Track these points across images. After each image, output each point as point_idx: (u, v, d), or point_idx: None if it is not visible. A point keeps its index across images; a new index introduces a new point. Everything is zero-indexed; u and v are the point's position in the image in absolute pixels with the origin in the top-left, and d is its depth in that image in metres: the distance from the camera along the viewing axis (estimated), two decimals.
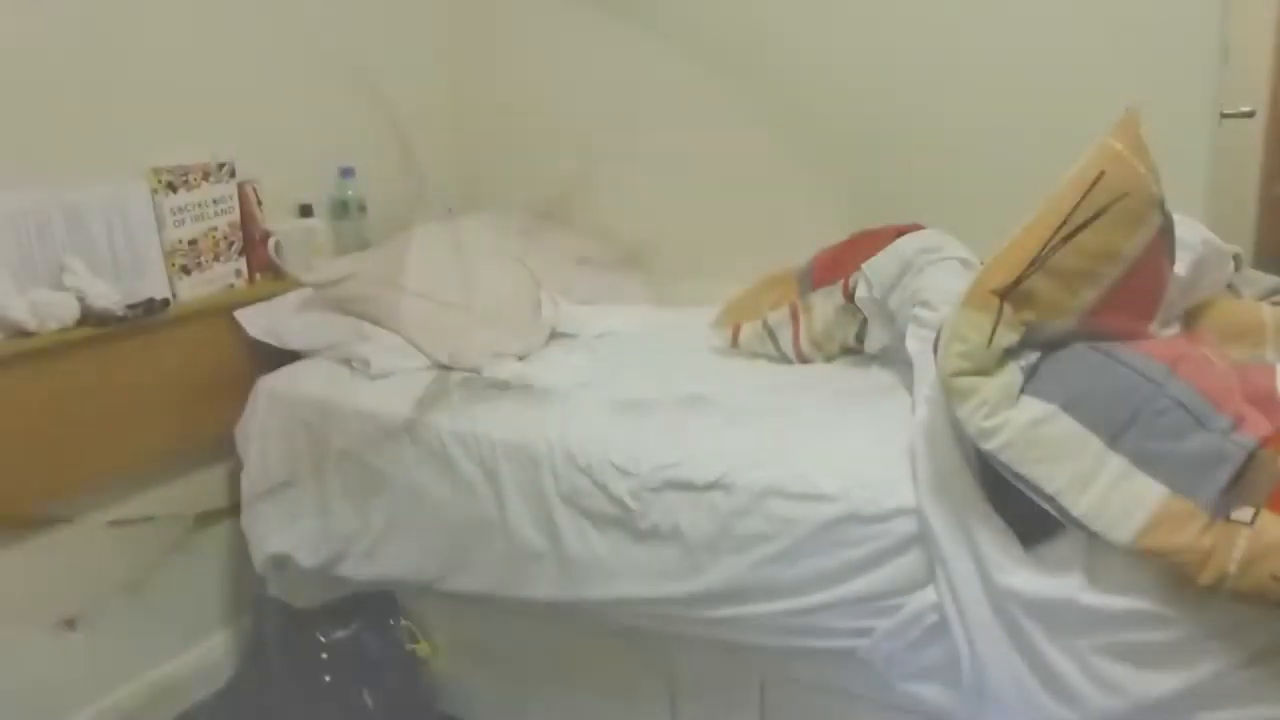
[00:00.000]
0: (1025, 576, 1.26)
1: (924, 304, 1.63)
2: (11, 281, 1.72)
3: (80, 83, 1.84)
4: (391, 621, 1.92)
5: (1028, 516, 1.25)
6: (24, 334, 1.70)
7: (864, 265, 1.79)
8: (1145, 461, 1.20)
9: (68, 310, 1.75)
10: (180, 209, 1.98)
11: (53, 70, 1.80)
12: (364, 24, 2.46)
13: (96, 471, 1.86)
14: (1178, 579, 1.16)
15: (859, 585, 1.40)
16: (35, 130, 1.78)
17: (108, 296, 1.80)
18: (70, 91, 1.83)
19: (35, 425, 1.74)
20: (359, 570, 1.88)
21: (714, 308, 2.11)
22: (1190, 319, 1.65)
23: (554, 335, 2.17)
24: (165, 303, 1.91)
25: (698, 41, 2.36)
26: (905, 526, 1.36)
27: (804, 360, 1.95)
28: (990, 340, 1.27)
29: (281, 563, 1.97)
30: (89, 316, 1.78)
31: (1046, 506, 1.22)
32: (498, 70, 2.67)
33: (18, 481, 1.73)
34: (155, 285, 1.94)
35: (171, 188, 1.96)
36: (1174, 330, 1.60)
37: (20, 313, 1.68)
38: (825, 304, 1.89)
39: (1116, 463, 1.21)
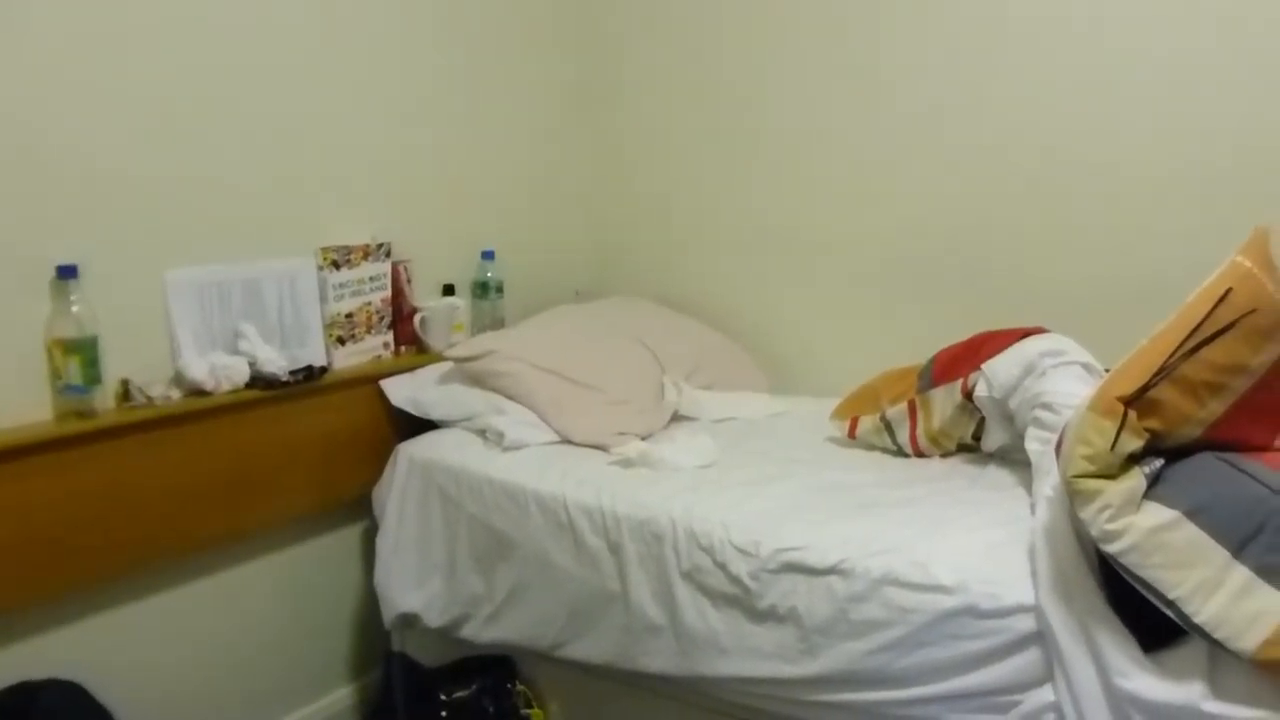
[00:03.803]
0: (1146, 681, 1.26)
1: (1046, 407, 1.66)
2: (195, 345, 1.91)
3: (264, 173, 2.05)
4: (509, 685, 2.01)
5: (1149, 621, 1.26)
6: (201, 393, 1.88)
7: (984, 365, 1.83)
8: (1271, 574, 1.20)
9: (240, 373, 1.92)
10: (342, 285, 2.16)
11: (240, 163, 2.01)
12: (509, 118, 2.66)
13: (252, 521, 2.01)
14: None
15: (974, 679, 1.42)
16: (225, 214, 1.98)
17: (275, 362, 1.97)
18: (255, 180, 2.03)
19: (206, 475, 1.90)
20: (482, 633, 1.97)
21: (830, 400, 2.17)
22: None
23: (675, 418, 2.27)
24: (323, 370, 2.08)
25: (826, 139, 2.48)
26: (1024, 623, 1.38)
27: (920, 455, 1.99)
28: (1113, 445, 1.29)
29: (409, 621, 2.07)
30: (257, 380, 1.95)
31: (1168, 612, 1.23)
32: (638, 164, 2.83)
33: (189, 524, 1.88)
34: (315, 353, 2.12)
35: (336, 265, 2.14)
36: None
37: (201, 373, 1.86)
38: (944, 401, 1.93)
39: (1241, 573, 1.21)
